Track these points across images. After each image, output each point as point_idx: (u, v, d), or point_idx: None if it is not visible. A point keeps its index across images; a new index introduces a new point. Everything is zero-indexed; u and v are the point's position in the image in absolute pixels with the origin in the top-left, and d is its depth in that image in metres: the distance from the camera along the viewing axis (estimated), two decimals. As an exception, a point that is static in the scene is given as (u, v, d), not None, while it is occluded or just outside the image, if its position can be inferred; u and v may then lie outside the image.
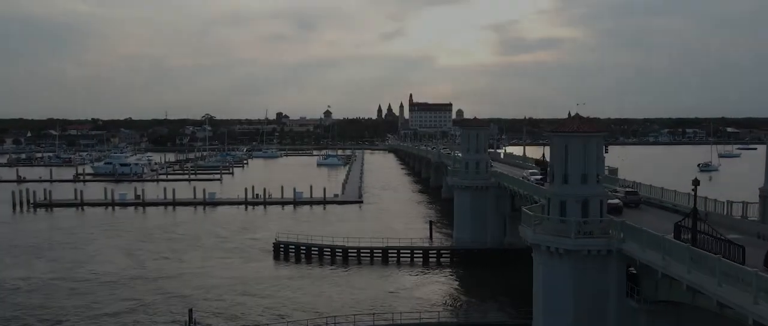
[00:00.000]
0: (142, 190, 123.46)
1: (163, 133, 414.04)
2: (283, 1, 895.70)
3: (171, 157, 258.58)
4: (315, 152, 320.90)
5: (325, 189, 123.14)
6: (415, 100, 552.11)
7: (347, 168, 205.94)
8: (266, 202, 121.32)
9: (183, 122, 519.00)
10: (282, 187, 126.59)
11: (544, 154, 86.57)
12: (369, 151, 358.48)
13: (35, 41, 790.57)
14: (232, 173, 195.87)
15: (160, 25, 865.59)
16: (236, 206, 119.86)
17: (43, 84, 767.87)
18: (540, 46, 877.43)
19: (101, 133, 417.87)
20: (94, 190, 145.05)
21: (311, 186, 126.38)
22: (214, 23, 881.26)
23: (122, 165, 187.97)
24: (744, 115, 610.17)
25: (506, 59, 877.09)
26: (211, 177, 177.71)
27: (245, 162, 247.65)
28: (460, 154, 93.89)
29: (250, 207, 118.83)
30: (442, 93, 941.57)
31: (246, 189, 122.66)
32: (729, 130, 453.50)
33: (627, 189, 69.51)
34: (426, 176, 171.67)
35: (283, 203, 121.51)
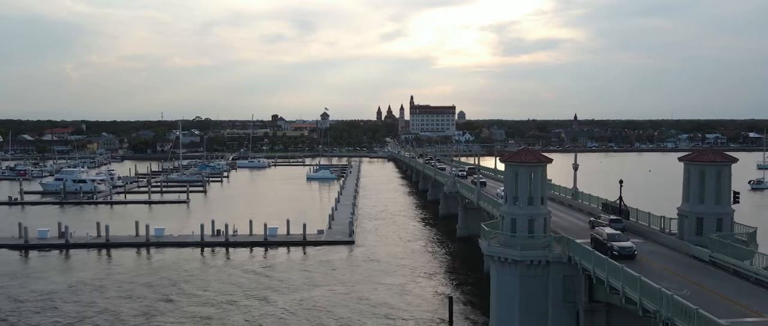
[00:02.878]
0: (66, 227, 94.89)
1: (147, 138, 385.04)
2: (283, 1, 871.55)
3: (143, 167, 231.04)
4: (307, 161, 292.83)
5: (305, 226, 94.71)
6: (415, 102, 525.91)
7: (341, 183, 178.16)
8: (229, 243, 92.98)
9: (173, 125, 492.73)
10: (251, 222, 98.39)
11: (621, 197, 58.32)
12: (367, 159, 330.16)
13: (34, 40, 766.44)
14: (206, 191, 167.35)
15: (160, 25, 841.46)
16: (191, 248, 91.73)
17: (40, 84, 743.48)
18: (539, 46, 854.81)
19: (82, 138, 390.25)
20: (26, 217, 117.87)
21: (288, 221, 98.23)
22: (214, 23, 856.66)
23: (76, 181, 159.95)
24: (748, 116, 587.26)
25: (506, 60, 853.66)
26: (178, 197, 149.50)
27: (226, 174, 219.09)
28: (500, 192, 66.18)
29: (207, 251, 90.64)
30: (442, 93, 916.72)
31: (202, 226, 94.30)
32: (751, 135, 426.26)
33: (611, 217, 51.06)
34: (432, 199, 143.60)
35: (251, 244, 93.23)
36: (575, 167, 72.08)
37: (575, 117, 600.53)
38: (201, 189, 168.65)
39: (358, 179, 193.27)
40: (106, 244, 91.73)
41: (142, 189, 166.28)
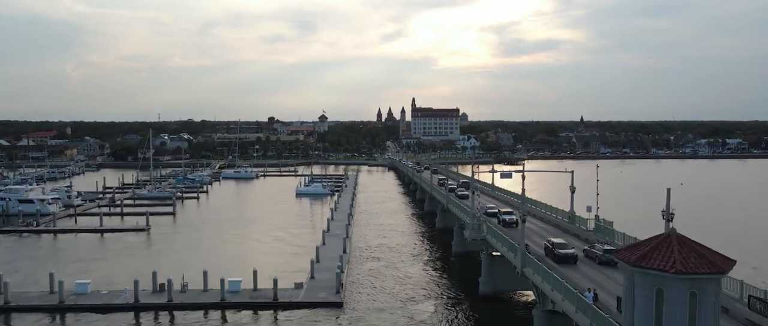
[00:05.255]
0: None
1: (131, 142, 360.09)
2: (283, 1, 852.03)
3: (116, 178, 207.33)
4: (301, 169, 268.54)
5: (276, 282, 70.41)
6: (416, 104, 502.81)
7: (334, 200, 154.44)
8: (173, 305, 68.72)
9: (163, 127, 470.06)
10: (205, 273, 73.88)
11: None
12: (366, 167, 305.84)
13: (34, 40, 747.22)
14: (174, 214, 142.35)
15: (160, 25, 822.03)
16: (121, 312, 67.55)
17: (40, 84, 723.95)
18: (540, 47, 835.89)
19: (60, 143, 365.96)
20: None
21: (255, 272, 73.80)
22: (214, 23, 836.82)
23: (22, 201, 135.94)
24: (751, 118, 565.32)
25: (506, 60, 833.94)
26: (137, 223, 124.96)
27: (205, 188, 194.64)
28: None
29: (143, 317, 66.57)
30: (442, 94, 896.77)
31: (136, 283, 69.84)
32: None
33: (605, 247, 42.89)
34: (442, 226, 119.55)
35: (203, 306, 69.04)
36: (669, 217, 47.58)
37: (581, 119, 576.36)
38: (170, 211, 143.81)
39: (354, 195, 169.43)
40: (4, 308, 67.51)
41: (101, 210, 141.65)
